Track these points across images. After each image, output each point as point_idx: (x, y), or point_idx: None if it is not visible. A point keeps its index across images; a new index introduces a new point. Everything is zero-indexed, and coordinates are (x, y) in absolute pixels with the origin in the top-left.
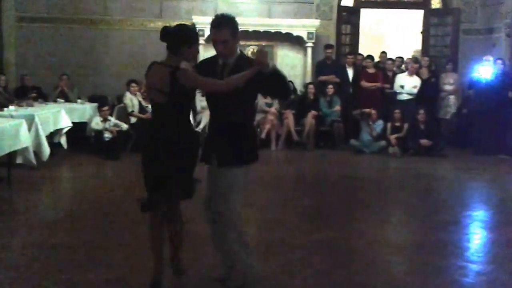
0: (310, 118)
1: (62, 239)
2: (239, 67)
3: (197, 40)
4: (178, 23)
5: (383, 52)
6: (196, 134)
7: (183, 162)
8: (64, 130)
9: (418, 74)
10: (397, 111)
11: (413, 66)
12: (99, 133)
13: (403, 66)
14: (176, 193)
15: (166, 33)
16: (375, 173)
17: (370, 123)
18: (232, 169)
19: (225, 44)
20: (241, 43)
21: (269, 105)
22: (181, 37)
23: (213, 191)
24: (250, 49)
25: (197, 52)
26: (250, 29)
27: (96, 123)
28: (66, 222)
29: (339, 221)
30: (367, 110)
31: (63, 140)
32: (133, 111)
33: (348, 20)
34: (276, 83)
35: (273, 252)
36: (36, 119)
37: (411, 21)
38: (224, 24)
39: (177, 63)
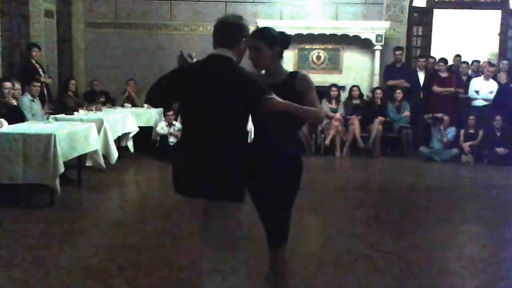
0: (377, 124)
1: (128, 240)
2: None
3: None
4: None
5: (457, 55)
6: None
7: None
8: (131, 134)
9: (495, 78)
10: (471, 117)
11: (489, 69)
12: (164, 137)
13: (479, 70)
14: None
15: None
16: (446, 183)
17: (442, 129)
18: None
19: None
20: (307, 46)
21: (334, 110)
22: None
23: None
24: (315, 52)
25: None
26: (316, 32)
27: (162, 127)
28: (132, 223)
29: (408, 232)
30: (439, 115)
31: (130, 144)
32: None
33: (420, 21)
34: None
35: (340, 262)
36: (105, 123)
37: (488, 22)
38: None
39: None
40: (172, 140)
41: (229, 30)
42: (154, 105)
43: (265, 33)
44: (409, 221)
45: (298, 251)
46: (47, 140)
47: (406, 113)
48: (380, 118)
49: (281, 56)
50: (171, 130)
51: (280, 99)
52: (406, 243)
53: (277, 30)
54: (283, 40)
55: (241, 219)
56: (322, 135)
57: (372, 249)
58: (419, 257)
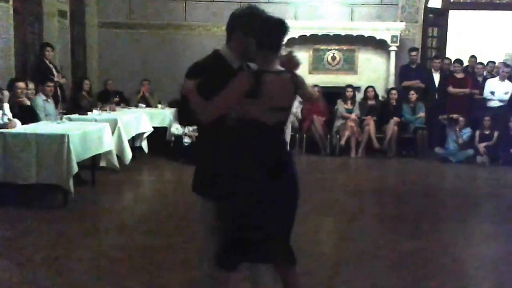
0: (392, 125)
1: (143, 240)
2: None
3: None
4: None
5: (473, 56)
6: None
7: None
8: (145, 135)
9: (510, 80)
10: (486, 118)
11: (505, 70)
12: (179, 138)
13: (494, 71)
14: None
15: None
16: (461, 183)
17: (457, 130)
18: None
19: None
20: (322, 47)
21: (349, 111)
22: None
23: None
24: (330, 53)
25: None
26: (331, 32)
27: (176, 128)
28: (146, 223)
29: (423, 233)
30: (454, 116)
31: (144, 144)
32: None
33: (435, 22)
34: None
35: (356, 262)
36: (119, 123)
37: (503, 23)
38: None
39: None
40: (186, 140)
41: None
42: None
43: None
44: (425, 222)
45: (314, 252)
46: (60, 140)
47: (421, 114)
48: (395, 119)
49: (261, 48)
50: (186, 130)
51: (191, 83)
52: (422, 244)
53: (291, 29)
54: (260, 30)
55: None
56: (338, 136)
57: (388, 250)
58: (435, 257)
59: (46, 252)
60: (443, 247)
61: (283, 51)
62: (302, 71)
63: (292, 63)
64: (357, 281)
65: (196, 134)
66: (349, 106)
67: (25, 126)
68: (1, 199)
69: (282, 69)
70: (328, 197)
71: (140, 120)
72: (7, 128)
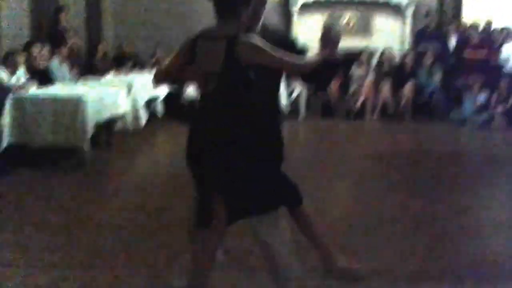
0: (408, 89)
1: (157, 202)
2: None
3: None
4: None
5: (489, 20)
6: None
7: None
8: (160, 98)
9: None
10: (503, 82)
11: None
12: (193, 101)
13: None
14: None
15: None
16: (477, 147)
17: (473, 94)
18: None
19: None
20: (337, 11)
21: (365, 75)
22: None
23: None
24: (346, 17)
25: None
26: None
27: (191, 91)
28: (161, 185)
29: (438, 196)
30: (471, 80)
31: (159, 108)
32: None
33: None
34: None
35: (369, 226)
36: (134, 87)
37: None
38: None
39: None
40: None
41: None
42: None
43: None
44: (439, 186)
45: (329, 216)
46: (76, 103)
47: (438, 77)
48: (411, 83)
49: (247, 22)
50: None
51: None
52: (436, 208)
53: None
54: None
55: None
56: (353, 99)
57: (401, 214)
58: (449, 222)
59: (63, 214)
60: (459, 210)
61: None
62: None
63: (326, 37)
64: (372, 244)
65: None
66: (364, 69)
67: (40, 89)
68: (18, 162)
69: (226, 33)
70: (343, 161)
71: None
72: (23, 91)
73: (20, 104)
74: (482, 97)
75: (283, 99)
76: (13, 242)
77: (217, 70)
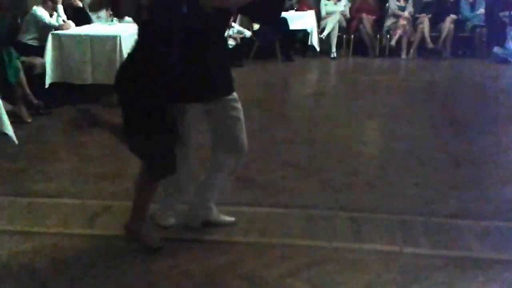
0: (448, 23)
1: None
2: None
3: None
4: None
5: None
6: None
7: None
8: None
9: None
10: None
11: None
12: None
13: None
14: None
15: None
16: None
17: None
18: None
19: None
20: None
21: (402, 8)
22: None
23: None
24: None
25: None
26: None
27: None
28: None
29: (475, 134)
30: None
31: None
32: None
33: None
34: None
35: (403, 164)
36: None
37: None
38: None
39: None
40: (231, 43)
41: None
42: None
43: None
44: (477, 124)
45: (361, 152)
46: (113, 41)
47: (481, 10)
48: (452, 16)
49: None
50: (230, 32)
51: None
52: (472, 146)
53: None
54: None
55: None
56: (388, 36)
57: (436, 151)
58: (486, 160)
59: (109, 147)
60: (494, 149)
61: None
62: None
63: None
64: (403, 181)
65: (241, 36)
66: (401, 3)
67: (78, 28)
68: (60, 99)
69: None
70: (376, 99)
71: None
72: (62, 30)
73: (60, 43)
74: None
75: (314, 37)
76: (61, 172)
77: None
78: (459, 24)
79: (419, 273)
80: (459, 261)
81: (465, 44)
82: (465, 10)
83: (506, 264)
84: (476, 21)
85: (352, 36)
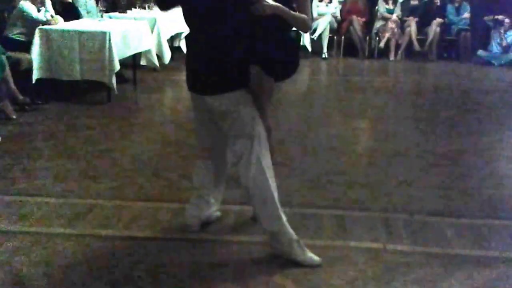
0: (434, 26)
1: (180, 136)
2: None
3: None
4: None
5: None
6: None
7: None
8: (184, 34)
9: None
10: None
11: None
12: None
13: None
14: None
15: None
16: (503, 87)
17: (502, 32)
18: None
19: None
20: None
21: (390, 11)
22: None
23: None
24: None
25: None
26: None
27: None
28: (184, 121)
29: (460, 135)
30: (500, 17)
31: (183, 44)
32: None
33: None
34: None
35: (390, 162)
36: (158, 22)
37: None
38: None
39: None
40: None
41: None
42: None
43: None
44: (461, 125)
45: (349, 152)
46: (102, 37)
47: (466, 14)
48: (438, 20)
49: None
50: None
51: (271, 1)
52: (457, 146)
53: None
54: None
55: None
56: (377, 38)
57: (422, 151)
58: (470, 159)
59: (92, 145)
60: (479, 149)
61: None
62: None
63: None
64: (390, 180)
65: None
66: (390, 6)
67: (67, 23)
68: (48, 95)
69: None
70: (364, 100)
71: (178, 19)
72: (50, 25)
73: (48, 38)
74: (510, 36)
75: (306, 38)
76: (45, 170)
77: None
78: (445, 27)
79: (402, 269)
80: (440, 258)
81: (451, 47)
82: (451, 14)
83: (486, 260)
84: (461, 25)
85: (343, 38)
